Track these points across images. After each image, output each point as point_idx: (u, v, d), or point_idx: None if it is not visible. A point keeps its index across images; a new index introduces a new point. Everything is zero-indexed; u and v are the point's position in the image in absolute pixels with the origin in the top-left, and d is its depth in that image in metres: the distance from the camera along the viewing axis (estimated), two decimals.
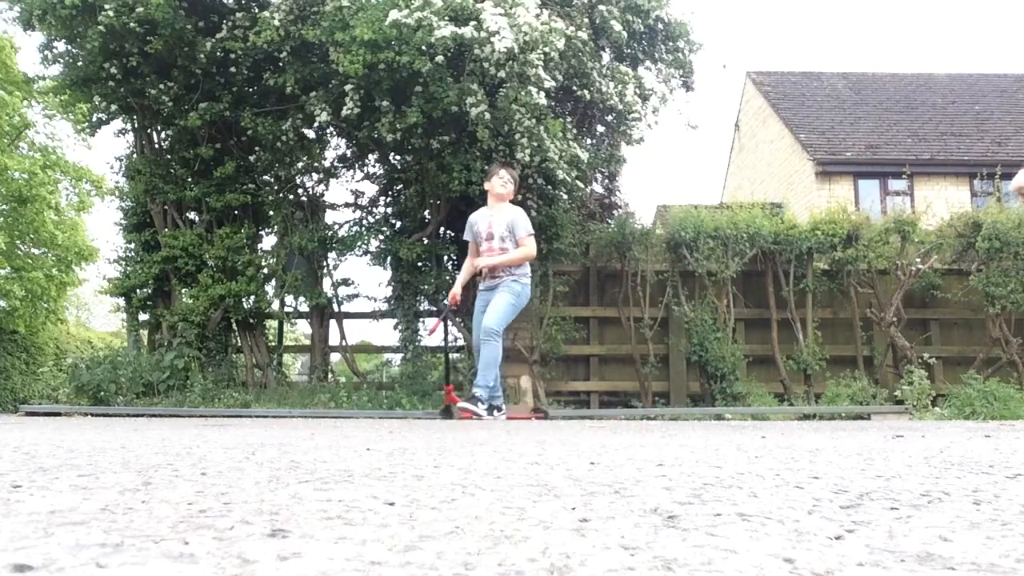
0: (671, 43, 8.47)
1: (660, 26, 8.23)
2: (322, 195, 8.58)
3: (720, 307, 7.41)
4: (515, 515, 0.99)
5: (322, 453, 2.04)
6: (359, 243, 8.10)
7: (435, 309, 8.06)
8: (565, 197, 7.69)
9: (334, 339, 8.33)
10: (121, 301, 8.38)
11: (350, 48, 6.21)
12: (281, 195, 8.28)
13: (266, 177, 8.31)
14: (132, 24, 6.73)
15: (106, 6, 6.64)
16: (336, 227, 8.38)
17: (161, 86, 7.34)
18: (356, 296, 8.29)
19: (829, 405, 6.82)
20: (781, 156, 15.74)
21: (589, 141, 8.60)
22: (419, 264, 7.73)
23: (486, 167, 7.19)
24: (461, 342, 8.04)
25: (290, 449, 2.18)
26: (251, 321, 8.02)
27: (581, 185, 7.88)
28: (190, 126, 7.46)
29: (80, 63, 7.38)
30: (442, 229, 8.28)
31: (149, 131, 8.22)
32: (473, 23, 6.14)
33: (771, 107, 16.09)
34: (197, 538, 0.81)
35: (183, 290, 8.03)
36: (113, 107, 7.83)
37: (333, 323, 8.29)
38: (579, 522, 0.94)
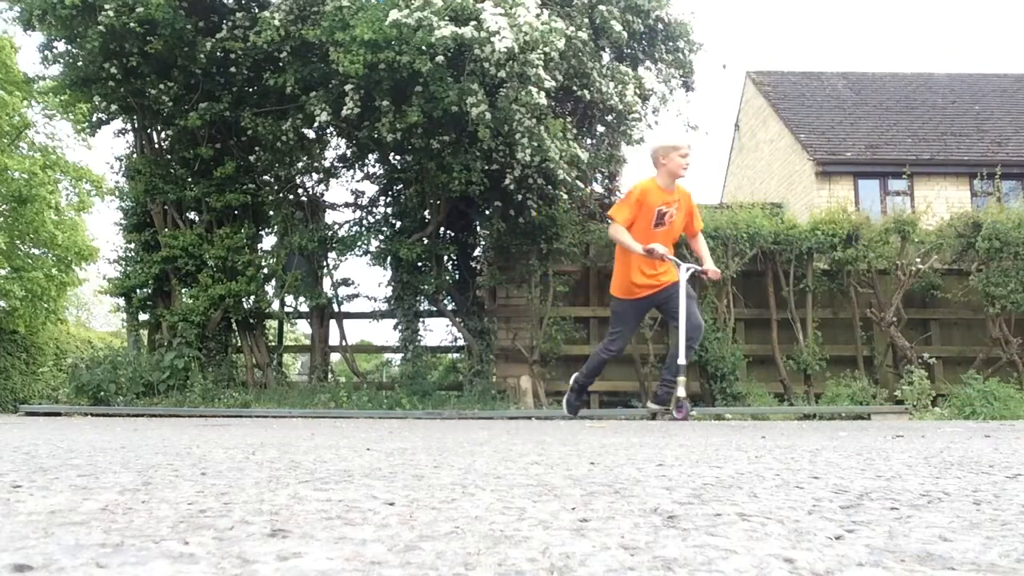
0: (671, 43, 8.47)
1: (660, 26, 8.23)
2: (322, 195, 8.60)
3: (720, 307, 7.41)
4: (515, 515, 0.99)
5: (322, 453, 2.04)
6: (359, 243, 8.11)
7: (435, 309, 8.07)
8: (565, 197, 7.69)
9: (334, 339, 8.35)
10: (121, 301, 8.39)
11: (350, 48, 6.21)
12: (281, 195, 8.29)
13: (266, 177, 8.31)
14: (132, 24, 6.73)
15: (106, 6, 6.64)
16: (336, 227, 8.39)
17: (161, 86, 7.34)
18: (356, 296, 8.31)
19: (829, 405, 6.82)
20: (781, 156, 15.74)
21: (589, 141, 8.59)
22: (419, 264, 7.73)
23: (485, 167, 7.20)
24: (461, 342, 8.04)
25: (290, 449, 2.18)
26: (251, 321, 8.03)
27: (581, 185, 7.88)
28: (190, 126, 7.46)
29: (80, 63, 7.38)
30: (442, 229, 8.28)
31: (149, 131, 8.22)
32: (473, 23, 6.14)
33: (771, 107, 16.09)
34: (197, 538, 0.81)
35: (183, 290, 8.03)
36: (113, 107, 7.84)
37: (333, 323, 8.30)
38: (579, 522, 0.94)
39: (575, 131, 7.79)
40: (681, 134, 4.74)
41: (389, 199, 8.44)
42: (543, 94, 6.40)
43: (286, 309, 8.38)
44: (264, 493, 1.19)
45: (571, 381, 5.37)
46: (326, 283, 8.30)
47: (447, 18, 6.13)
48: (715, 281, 5.14)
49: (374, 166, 8.62)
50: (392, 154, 8.02)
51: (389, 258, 7.86)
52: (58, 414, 6.63)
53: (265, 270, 8.13)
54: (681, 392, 4.70)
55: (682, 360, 4.71)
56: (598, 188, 9.67)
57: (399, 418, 5.99)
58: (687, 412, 4.71)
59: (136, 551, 0.74)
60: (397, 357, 8.83)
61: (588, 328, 7.97)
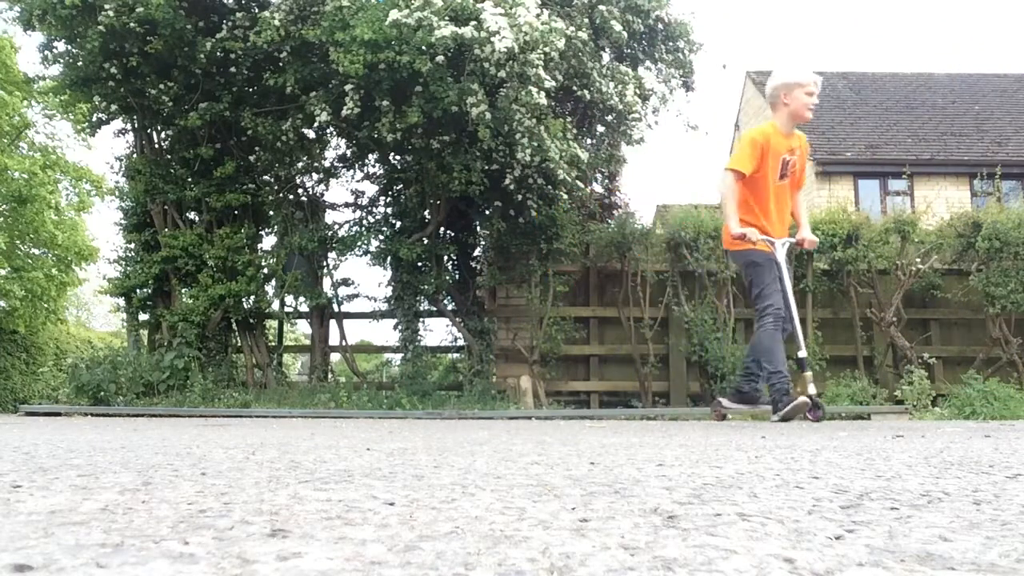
0: (671, 43, 8.48)
1: (660, 26, 8.24)
2: (322, 195, 8.60)
3: (720, 307, 7.41)
4: (515, 515, 0.99)
5: (322, 453, 2.04)
6: (359, 243, 8.11)
7: (435, 309, 8.08)
8: (565, 197, 7.70)
9: (334, 339, 8.35)
10: (121, 301, 8.39)
11: (350, 48, 6.21)
12: (281, 195, 8.29)
13: (266, 177, 8.31)
14: (132, 24, 6.73)
15: (106, 6, 6.64)
16: (336, 227, 8.39)
17: (161, 86, 7.34)
18: (356, 296, 8.31)
19: (829, 405, 6.81)
20: None
21: (589, 141, 8.60)
22: (419, 264, 7.73)
23: (485, 167, 7.19)
24: (461, 342, 8.05)
25: (290, 449, 2.18)
26: (251, 321, 8.03)
27: (581, 185, 7.88)
28: (190, 126, 7.46)
29: (80, 63, 7.38)
30: (442, 229, 8.28)
31: (149, 131, 8.22)
32: (473, 23, 6.15)
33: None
34: (197, 538, 0.81)
35: (183, 290, 8.04)
36: (113, 107, 7.84)
37: (333, 323, 8.30)
38: (579, 522, 0.94)
39: (575, 131, 7.80)
40: (805, 70, 4.10)
41: (389, 199, 8.44)
42: (543, 94, 6.40)
43: (286, 309, 8.38)
44: (264, 493, 1.19)
45: (744, 384, 4.50)
46: (326, 283, 8.31)
47: (447, 18, 6.13)
48: (812, 250, 4.66)
49: (374, 166, 8.63)
50: (392, 154, 8.02)
51: (389, 258, 7.86)
52: (58, 414, 6.63)
53: (265, 270, 8.14)
54: (812, 389, 4.15)
55: (804, 352, 4.23)
56: (598, 188, 9.69)
57: (399, 418, 5.98)
58: (822, 412, 4.13)
59: (136, 551, 0.74)
60: (397, 357, 8.83)
61: (588, 328, 7.97)
